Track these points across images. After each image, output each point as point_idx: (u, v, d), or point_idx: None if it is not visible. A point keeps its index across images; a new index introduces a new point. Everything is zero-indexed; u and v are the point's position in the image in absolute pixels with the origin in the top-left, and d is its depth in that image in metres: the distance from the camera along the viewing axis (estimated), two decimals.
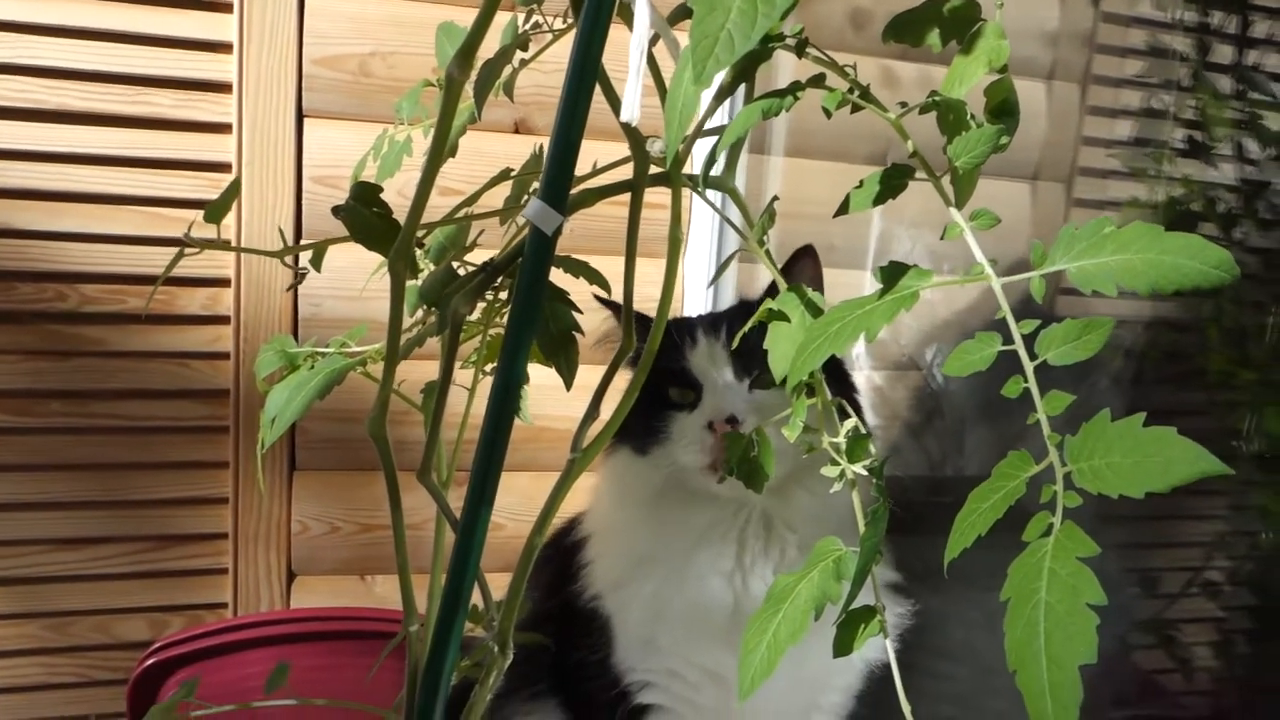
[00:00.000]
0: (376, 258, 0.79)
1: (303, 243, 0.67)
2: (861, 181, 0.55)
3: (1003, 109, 0.54)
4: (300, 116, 1.23)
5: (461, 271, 0.63)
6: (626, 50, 0.47)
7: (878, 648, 0.88)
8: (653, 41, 0.56)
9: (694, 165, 0.59)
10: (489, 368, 0.81)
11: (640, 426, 0.88)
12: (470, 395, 0.77)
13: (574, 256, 0.64)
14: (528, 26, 0.74)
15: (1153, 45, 1.44)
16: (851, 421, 0.59)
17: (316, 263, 0.65)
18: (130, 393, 1.25)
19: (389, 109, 1.21)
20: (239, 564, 1.28)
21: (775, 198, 0.62)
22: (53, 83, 1.17)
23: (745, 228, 0.62)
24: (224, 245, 0.60)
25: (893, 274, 0.51)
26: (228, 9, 1.19)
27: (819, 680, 0.90)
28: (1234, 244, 1.30)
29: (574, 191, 0.53)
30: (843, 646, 0.56)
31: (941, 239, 0.51)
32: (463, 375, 0.71)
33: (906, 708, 0.54)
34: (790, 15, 0.48)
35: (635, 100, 0.51)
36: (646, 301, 0.55)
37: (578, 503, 0.96)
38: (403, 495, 1.31)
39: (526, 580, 0.94)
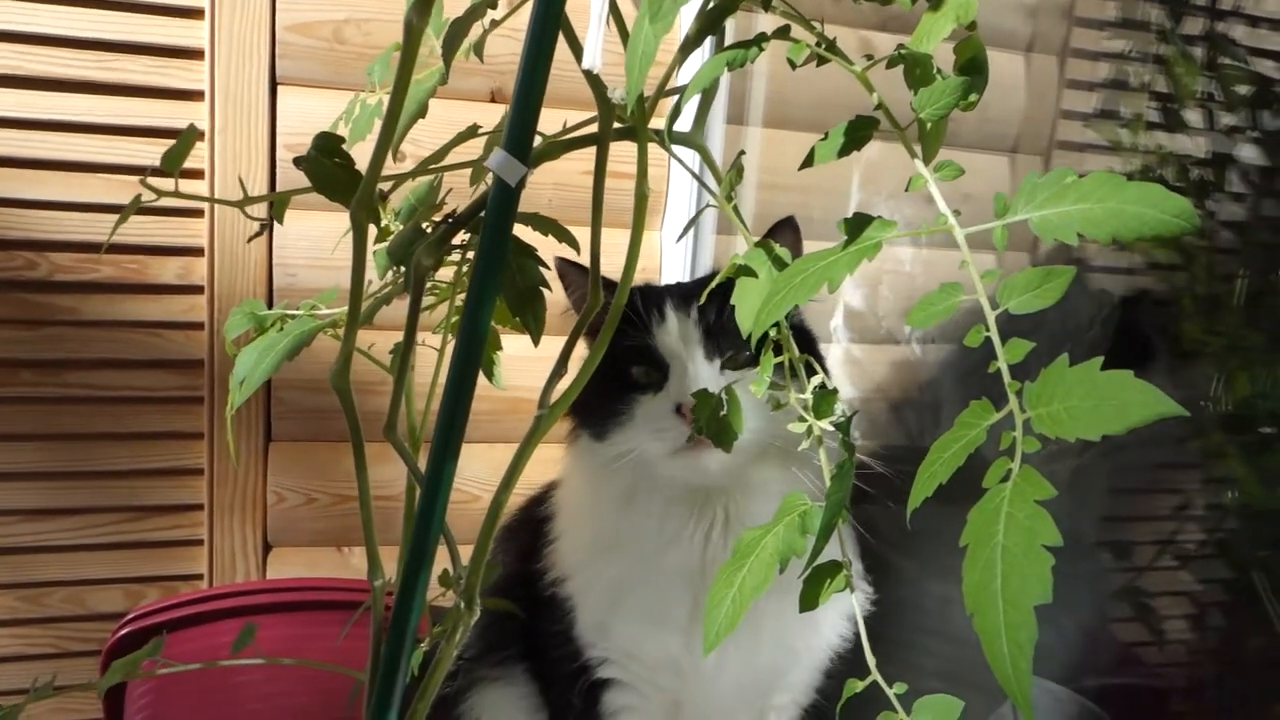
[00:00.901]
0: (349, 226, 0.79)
1: (259, 198, 0.66)
2: (827, 133, 0.55)
3: (971, 66, 0.54)
4: (274, 84, 1.21)
5: (430, 231, 0.63)
6: (587, 7, 0.47)
7: (838, 631, 0.89)
8: None
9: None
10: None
11: (600, 409, 0.82)
12: (439, 360, 0.77)
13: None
14: None
15: (1130, 18, 1.44)
16: (818, 377, 0.59)
17: (279, 213, 0.65)
18: (103, 362, 1.24)
19: (363, 77, 1.20)
20: (214, 535, 1.28)
21: (742, 152, 0.62)
22: (20, 48, 1.15)
23: (716, 186, 0.61)
24: (189, 196, 0.59)
25: (856, 225, 0.51)
26: None
27: (775, 671, 0.89)
28: (1208, 215, 1.31)
29: (539, 145, 0.53)
30: (808, 600, 0.56)
31: (906, 190, 0.51)
32: (434, 342, 0.71)
33: (872, 662, 0.55)
34: None
35: (597, 47, 0.50)
36: (620, 271, 0.54)
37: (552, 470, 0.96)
38: (380, 466, 1.31)
39: (498, 542, 0.95)
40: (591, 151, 0.53)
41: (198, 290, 1.24)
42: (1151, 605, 1.35)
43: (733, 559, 0.56)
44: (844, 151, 0.54)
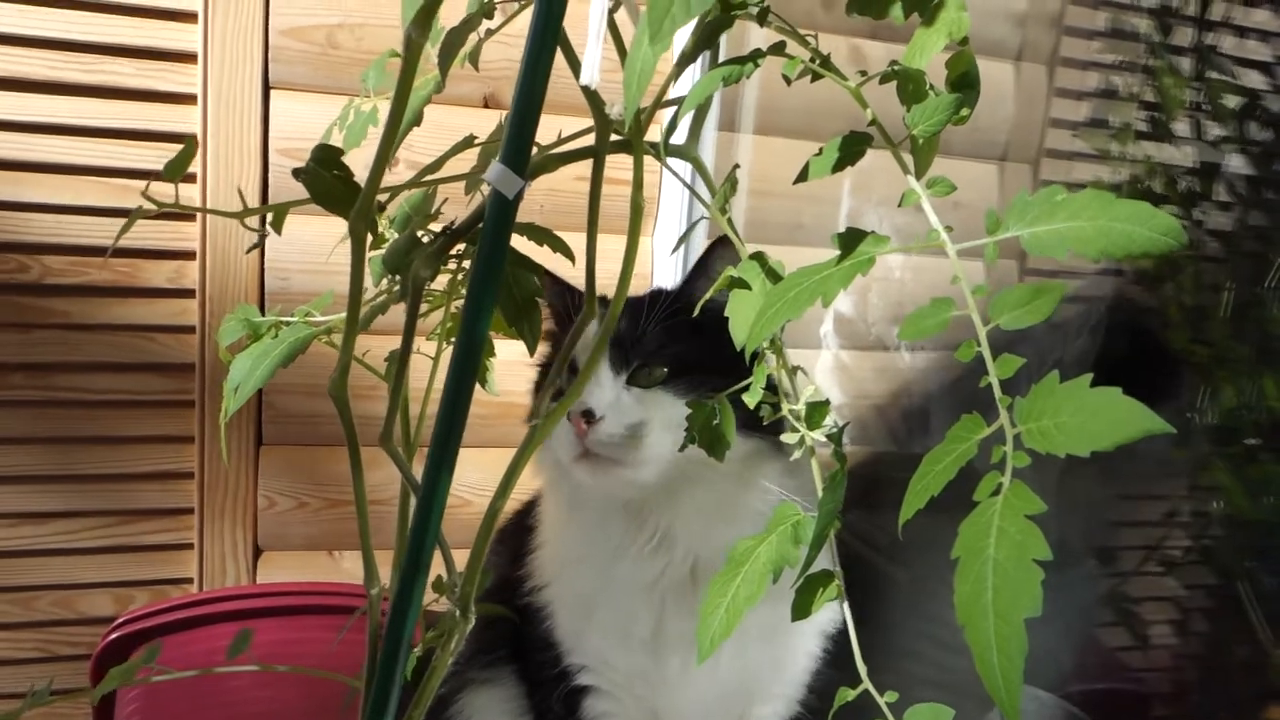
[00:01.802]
0: (344, 232, 0.79)
1: (259, 209, 0.66)
2: (821, 149, 0.55)
3: (963, 81, 0.54)
4: (266, 88, 1.22)
5: (425, 240, 0.63)
6: (585, 21, 0.47)
7: (813, 646, 0.89)
8: (614, 8, 0.56)
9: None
10: (453, 339, 0.81)
11: (536, 410, 0.84)
12: (434, 366, 0.77)
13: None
14: None
15: (1119, 27, 1.46)
16: (811, 388, 0.59)
17: (277, 225, 0.65)
18: (95, 366, 1.24)
19: (357, 82, 1.20)
20: (204, 539, 1.28)
21: (736, 166, 0.62)
22: (13, 50, 1.15)
23: (709, 197, 0.62)
24: (185, 207, 0.59)
25: (850, 240, 0.52)
26: None
27: (748, 684, 0.89)
28: (1194, 224, 1.32)
29: (535, 156, 0.53)
30: (801, 610, 0.57)
31: (899, 205, 0.52)
32: (428, 348, 0.71)
33: (863, 669, 0.55)
34: None
35: (595, 63, 0.51)
36: (613, 278, 0.55)
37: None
38: (371, 470, 1.30)
39: (491, 547, 0.95)
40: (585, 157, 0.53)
41: (189, 294, 1.24)
42: (1136, 611, 1.36)
43: (726, 569, 0.56)
44: (838, 167, 0.55)
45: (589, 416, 0.74)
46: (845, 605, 0.57)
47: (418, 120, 0.70)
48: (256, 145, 1.21)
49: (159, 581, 1.30)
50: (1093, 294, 1.29)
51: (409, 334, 0.57)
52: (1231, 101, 1.34)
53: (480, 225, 0.53)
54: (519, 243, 0.57)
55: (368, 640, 0.59)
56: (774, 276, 0.57)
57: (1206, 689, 1.36)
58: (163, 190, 1.20)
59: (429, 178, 0.69)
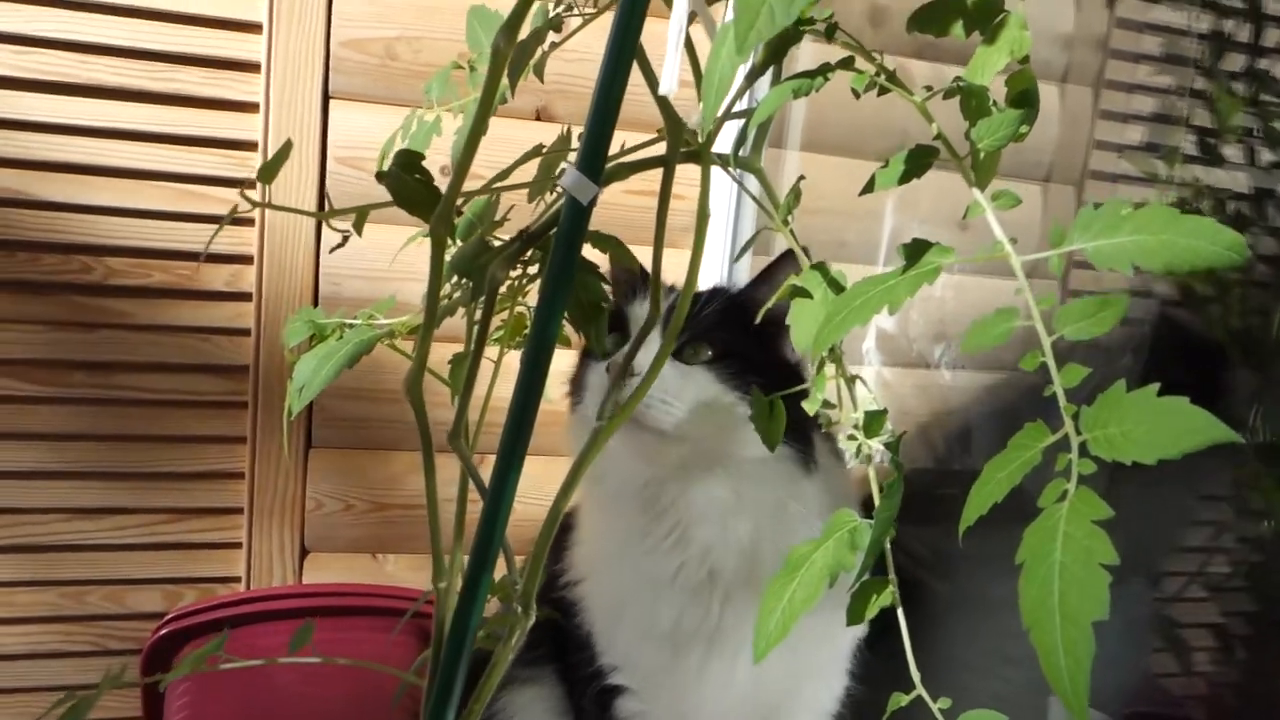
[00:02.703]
0: (396, 240, 0.81)
1: (340, 211, 0.69)
2: (887, 160, 0.56)
3: (1023, 99, 0.56)
4: (326, 98, 1.25)
5: (493, 245, 0.65)
6: (655, 38, 0.49)
7: (839, 661, 0.91)
8: (690, 20, 0.58)
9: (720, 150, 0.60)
10: (515, 344, 0.83)
11: (579, 375, 0.88)
12: (495, 371, 0.79)
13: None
14: (559, 10, 0.76)
15: (1166, 51, 1.46)
16: (870, 397, 0.60)
17: (359, 226, 0.67)
18: (152, 366, 1.27)
19: (413, 93, 1.23)
20: (253, 539, 1.30)
21: (801, 176, 0.64)
22: (85, 57, 1.19)
23: (770, 208, 0.63)
24: (277, 206, 0.61)
25: (915, 250, 0.53)
26: None
27: (776, 699, 0.90)
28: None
29: (608, 166, 0.55)
30: (855, 615, 0.57)
31: (964, 218, 0.53)
32: (489, 353, 0.73)
33: (916, 675, 0.56)
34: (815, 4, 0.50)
35: (674, 73, 0.53)
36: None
37: None
38: (417, 477, 1.32)
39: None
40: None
41: (246, 298, 1.27)
42: (1181, 636, 1.35)
43: (783, 572, 0.57)
44: (904, 179, 0.56)
45: (628, 371, 0.77)
46: (900, 613, 0.58)
47: (484, 130, 0.71)
48: (315, 153, 1.24)
49: (207, 579, 1.33)
50: (1137, 315, 1.29)
51: (482, 334, 0.58)
52: None
53: (553, 230, 0.54)
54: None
55: (433, 631, 0.60)
56: (836, 286, 0.59)
57: (1248, 715, 1.35)
58: (225, 196, 1.24)
59: (499, 185, 0.71)
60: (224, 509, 1.31)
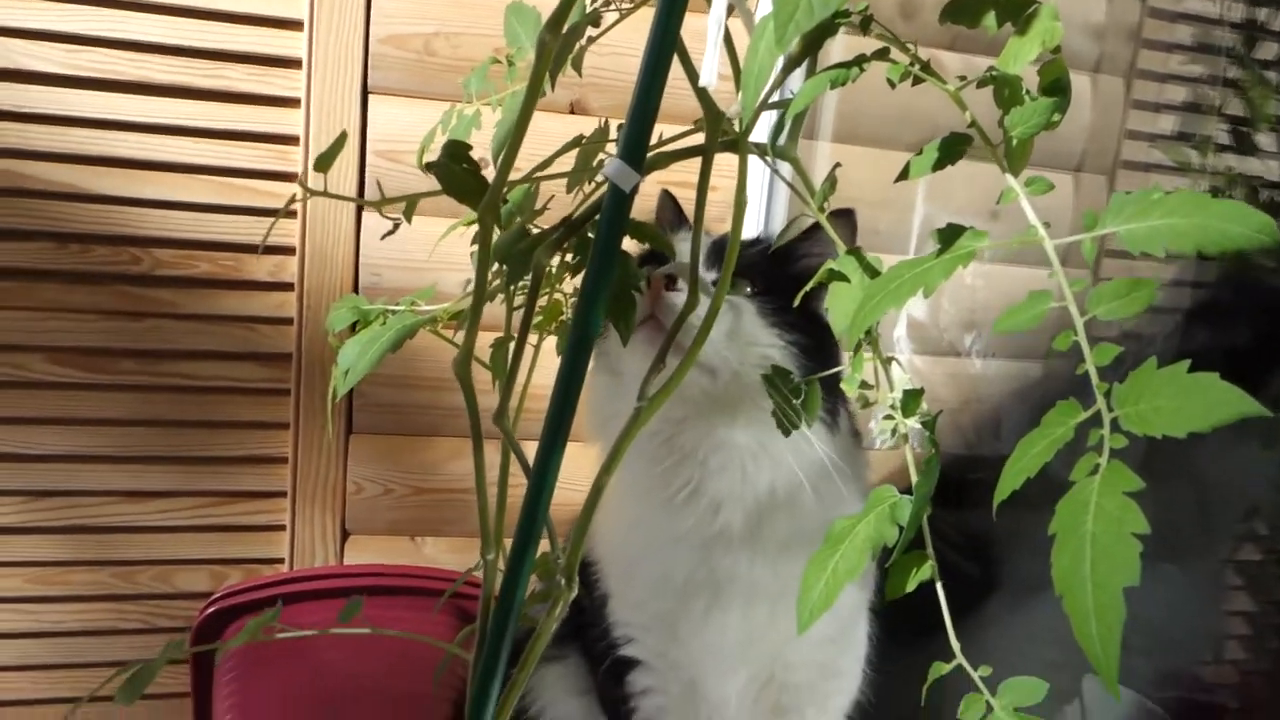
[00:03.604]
0: (434, 231, 0.84)
1: (391, 199, 0.71)
2: (922, 149, 0.58)
3: (1055, 87, 0.57)
4: (365, 93, 1.27)
5: (534, 233, 0.66)
6: (694, 23, 0.51)
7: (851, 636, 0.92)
8: (728, 11, 0.60)
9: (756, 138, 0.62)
10: (553, 328, 0.85)
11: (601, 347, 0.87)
12: (535, 356, 0.81)
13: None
14: (597, 4, 0.78)
15: (1198, 40, 1.46)
16: (905, 376, 0.62)
17: (408, 214, 0.70)
18: (198, 354, 1.30)
19: (451, 87, 1.26)
20: (296, 521, 1.34)
21: (837, 164, 0.65)
22: (135, 55, 1.22)
23: (807, 195, 0.65)
24: (338, 195, 0.64)
25: (950, 235, 0.55)
26: None
27: (787, 674, 0.90)
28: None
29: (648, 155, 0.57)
30: (895, 588, 0.59)
31: (997, 204, 0.55)
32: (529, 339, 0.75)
33: (956, 645, 0.57)
34: None
35: (713, 66, 0.54)
36: None
37: None
38: (458, 460, 1.36)
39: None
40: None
41: (288, 288, 1.30)
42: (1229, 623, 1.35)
43: (825, 545, 0.59)
44: (938, 166, 0.57)
45: (671, 282, 0.77)
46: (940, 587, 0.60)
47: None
48: (355, 147, 1.27)
49: (252, 560, 1.36)
50: (1170, 304, 1.29)
51: (526, 319, 0.60)
52: None
53: (595, 216, 0.56)
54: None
55: (480, 606, 0.63)
56: (872, 271, 0.61)
57: None
58: (268, 189, 1.27)
59: (540, 175, 0.74)
60: (268, 492, 1.35)
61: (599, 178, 0.68)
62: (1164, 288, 1.32)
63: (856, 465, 0.87)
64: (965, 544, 1.07)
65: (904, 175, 0.59)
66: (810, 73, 0.63)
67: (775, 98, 0.63)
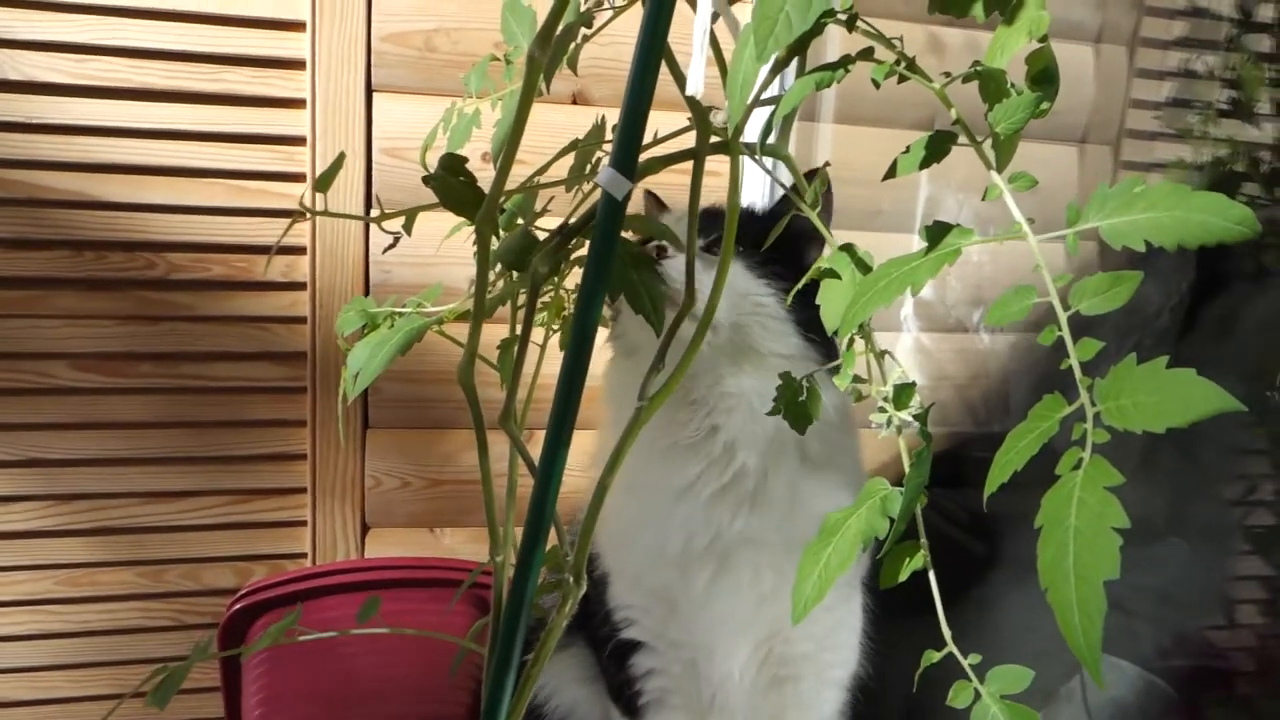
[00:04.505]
0: (443, 228, 0.85)
1: (392, 211, 0.73)
2: (909, 147, 0.59)
3: (1043, 77, 0.57)
4: (369, 91, 1.29)
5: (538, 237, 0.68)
6: (685, 25, 0.52)
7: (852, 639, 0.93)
8: (713, 19, 0.61)
9: (748, 134, 0.63)
10: (557, 327, 0.86)
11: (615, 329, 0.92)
12: (541, 354, 0.83)
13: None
14: (590, 3, 0.79)
15: (1200, 6, 1.45)
16: (898, 370, 0.63)
17: (408, 228, 0.71)
18: (215, 355, 1.33)
19: (454, 83, 1.27)
20: (317, 516, 1.36)
21: (826, 163, 0.66)
22: (138, 63, 1.24)
23: (798, 191, 0.66)
24: (336, 214, 0.65)
25: (937, 233, 0.56)
26: None
27: (787, 648, 0.91)
28: (1276, 202, 1.31)
29: (641, 160, 0.58)
30: (889, 577, 0.61)
31: (982, 200, 0.56)
32: (534, 336, 0.76)
33: (948, 633, 0.59)
34: None
35: (699, 76, 0.55)
36: None
37: None
38: (469, 452, 1.38)
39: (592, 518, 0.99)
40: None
41: (301, 287, 1.32)
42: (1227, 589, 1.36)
43: (818, 538, 0.61)
44: (925, 164, 0.58)
45: (662, 251, 0.82)
46: (932, 575, 0.61)
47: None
48: (361, 145, 1.28)
49: (275, 556, 1.39)
50: (1175, 273, 1.29)
51: (528, 324, 0.62)
52: None
53: (592, 222, 0.58)
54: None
55: (492, 602, 0.65)
56: (864, 267, 0.62)
57: None
58: (277, 189, 1.28)
59: (539, 182, 0.75)
60: (288, 489, 1.38)
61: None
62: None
63: (850, 417, 0.90)
64: (972, 522, 1.09)
65: (891, 173, 0.59)
66: (801, 68, 0.64)
67: (768, 92, 0.64)
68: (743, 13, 0.63)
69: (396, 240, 0.73)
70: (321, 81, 1.26)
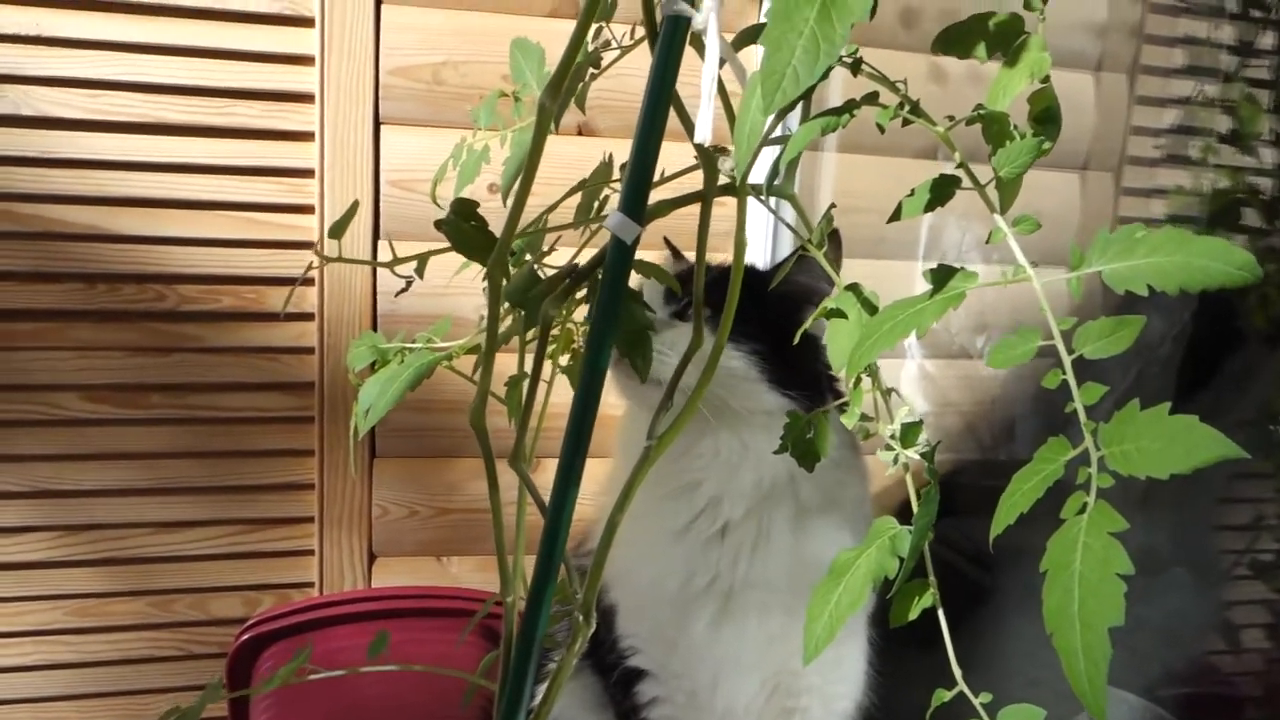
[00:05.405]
0: (452, 261, 0.86)
1: (400, 244, 0.73)
2: (913, 190, 0.60)
3: (1045, 116, 0.58)
4: (377, 124, 1.30)
5: (542, 274, 0.69)
6: (689, 69, 0.53)
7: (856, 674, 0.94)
8: (720, 65, 0.62)
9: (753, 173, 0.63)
10: (563, 360, 0.87)
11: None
12: (549, 387, 0.83)
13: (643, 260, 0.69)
14: (597, 44, 0.80)
15: (1201, 35, 1.46)
16: (905, 409, 0.64)
17: (420, 270, 0.72)
18: (224, 386, 1.34)
19: (461, 115, 1.28)
20: (324, 546, 1.37)
21: (833, 205, 0.67)
22: (152, 97, 1.26)
23: (804, 230, 0.67)
24: (350, 260, 0.66)
25: (942, 276, 0.56)
26: (310, 24, 1.27)
27: (791, 681, 0.92)
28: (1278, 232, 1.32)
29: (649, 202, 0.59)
30: (899, 616, 0.61)
31: (987, 243, 0.56)
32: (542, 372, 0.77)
33: (958, 671, 0.59)
34: None
35: (707, 123, 0.56)
36: None
37: None
38: (476, 481, 1.38)
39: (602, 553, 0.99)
40: None
41: (309, 318, 1.33)
42: (1228, 616, 1.36)
43: (828, 578, 0.61)
44: (929, 207, 0.59)
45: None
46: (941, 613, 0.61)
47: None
48: (369, 177, 1.29)
49: (283, 585, 1.40)
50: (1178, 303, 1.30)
51: (538, 364, 0.62)
52: None
53: (600, 266, 0.59)
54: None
55: (502, 641, 0.65)
56: (870, 308, 0.62)
57: None
58: (286, 221, 1.29)
59: (545, 219, 0.76)
60: (296, 518, 1.38)
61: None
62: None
63: (853, 447, 0.90)
64: (975, 550, 1.09)
65: (896, 216, 0.60)
66: (806, 110, 0.65)
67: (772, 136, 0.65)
68: (747, 58, 0.64)
69: (409, 284, 0.73)
70: (330, 114, 1.27)
